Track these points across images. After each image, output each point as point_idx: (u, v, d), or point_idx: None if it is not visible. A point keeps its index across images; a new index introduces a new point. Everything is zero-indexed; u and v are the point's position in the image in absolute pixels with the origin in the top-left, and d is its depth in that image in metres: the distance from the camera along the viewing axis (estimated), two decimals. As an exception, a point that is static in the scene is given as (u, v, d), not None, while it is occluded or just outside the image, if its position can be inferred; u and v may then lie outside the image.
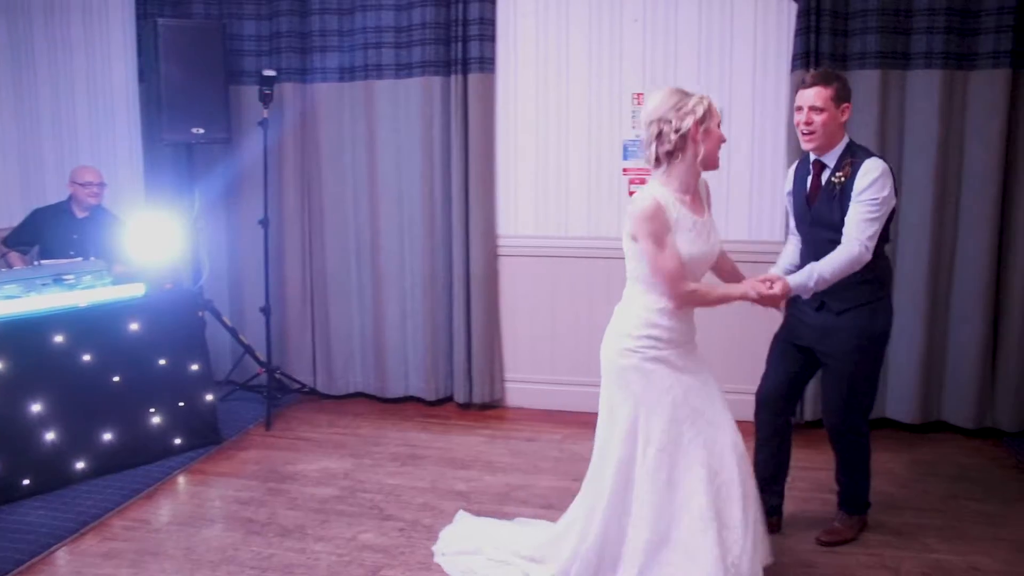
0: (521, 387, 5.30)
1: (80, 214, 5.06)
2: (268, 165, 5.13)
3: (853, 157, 3.23)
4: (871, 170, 3.15)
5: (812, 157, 3.34)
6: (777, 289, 2.99)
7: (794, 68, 4.55)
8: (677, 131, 2.76)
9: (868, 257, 3.12)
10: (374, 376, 5.41)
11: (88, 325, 4.19)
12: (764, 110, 4.79)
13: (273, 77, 5.03)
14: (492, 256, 5.17)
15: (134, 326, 4.33)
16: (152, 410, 4.38)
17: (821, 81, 3.22)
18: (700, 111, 2.76)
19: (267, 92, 4.99)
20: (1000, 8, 4.36)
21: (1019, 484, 4.12)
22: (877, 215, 3.13)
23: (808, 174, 3.37)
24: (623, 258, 4.97)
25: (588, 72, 4.98)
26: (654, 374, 2.90)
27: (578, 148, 5.05)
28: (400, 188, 5.19)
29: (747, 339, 4.57)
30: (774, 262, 4.70)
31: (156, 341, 4.41)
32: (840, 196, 3.21)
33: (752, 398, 3.64)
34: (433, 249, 5.16)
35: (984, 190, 4.50)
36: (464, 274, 5.14)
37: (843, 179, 3.21)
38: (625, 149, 4.97)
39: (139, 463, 4.30)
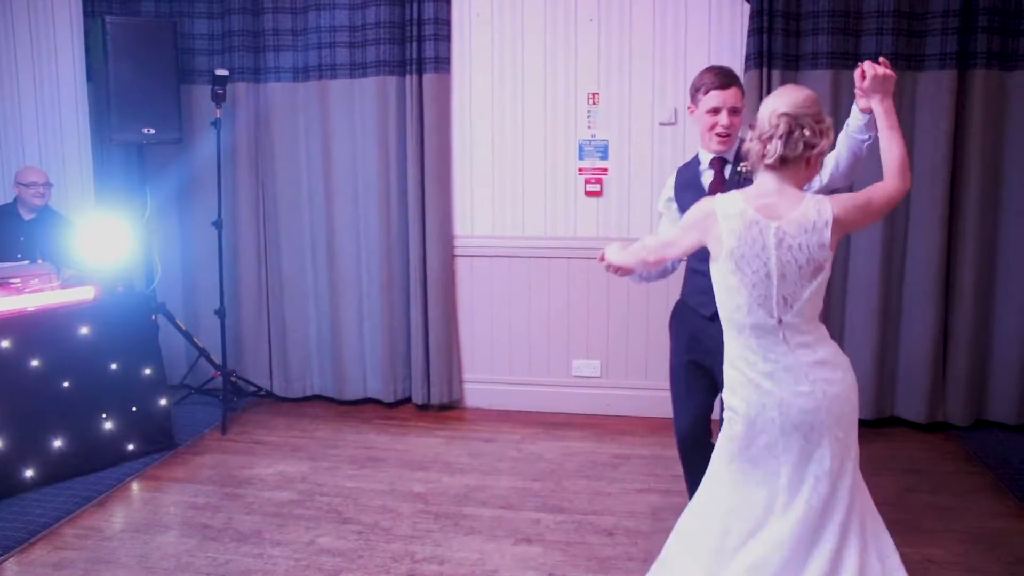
0: (479, 388, 5.30)
1: (27, 216, 4.96)
2: (221, 166, 5.06)
3: (743, 144, 3.03)
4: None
5: (709, 158, 3.14)
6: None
7: (747, 68, 4.59)
8: (806, 144, 2.40)
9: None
10: (331, 378, 5.37)
11: (36, 329, 4.10)
12: (719, 110, 4.82)
13: (226, 76, 4.97)
14: (449, 257, 5.15)
15: (84, 330, 4.24)
16: (104, 416, 4.30)
17: (735, 81, 3.07)
18: (832, 136, 2.47)
19: (220, 92, 4.93)
20: (946, 11, 4.45)
21: (970, 477, 4.20)
22: None
23: (698, 176, 3.16)
24: (580, 257, 5.06)
25: (543, 72, 4.99)
26: None
27: (534, 148, 5.06)
28: (356, 189, 5.16)
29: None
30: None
31: (108, 345, 4.32)
32: (748, 182, 2.95)
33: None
34: (390, 250, 5.14)
35: (933, 190, 4.58)
36: (421, 275, 5.12)
37: (749, 168, 2.90)
38: (581, 149, 4.98)
39: (91, 470, 4.21)
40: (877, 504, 3.87)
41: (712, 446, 3.15)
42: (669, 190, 3.28)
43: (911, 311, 4.74)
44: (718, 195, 2.51)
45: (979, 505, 3.88)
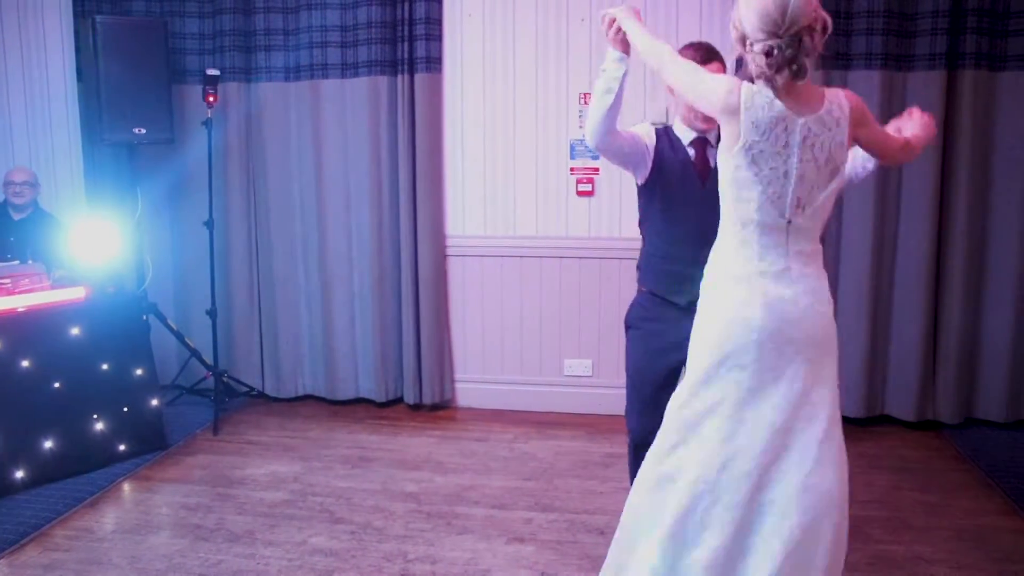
0: (471, 387, 5.30)
1: (17, 216, 4.94)
2: (213, 166, 5.06)
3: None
4: None
5: (691, 136, 3.04)
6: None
7: (738, 69, 4.60)
8: (815, 48, 2.26)
9: None
10: (323, 378, 5.36)
11: (27, 330, 4.09)
12: (709, 110, 4.84)
13: (217, 76, 4.97)
14: (441, 256, 5.15)
15: (75, 331, 4.23)
16: (95, 416, 4.29)
17: (717, 56, 2.97)
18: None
19: (211, 91, 4.92)
20: (935, 11, 4.47)
21: (959, 475, 4.23)
22: None
23: (684, 152, 3.04)
24: (571, 257, 5.07)
25: (535, 72, 5.00)
26: None
27: (526, 148, 5.06)
28: (348, 189, 5.16)
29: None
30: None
31: (99, 346, 4.31)
32: None
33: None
34: (381, 250, 5.14)
35: (923, 188, 4.61)
36: (413, 274, 5.12)
37: None
38: (572, 148, 4.99)
39: (82, 471, 4.20)
40: (867, 501, 3.91)
41: None
42: (649, 138, 3.08)
43: (901, 309, 4.77)
44: (745, 83, 2.31)
45: (968, 502, 3.91)
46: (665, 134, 3.11)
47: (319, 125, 5.15)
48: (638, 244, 3.22)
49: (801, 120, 2.26)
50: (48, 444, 4.11)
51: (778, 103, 2.24)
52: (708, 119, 2.93)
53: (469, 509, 3.89)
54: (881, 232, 4.69)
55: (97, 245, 4.66)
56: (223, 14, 5.14)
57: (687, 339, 2.72)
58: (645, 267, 3.17)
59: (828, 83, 4.58)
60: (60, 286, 4.37)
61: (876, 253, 4.70)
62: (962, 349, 4.73)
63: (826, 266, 4.66)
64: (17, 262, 4.41)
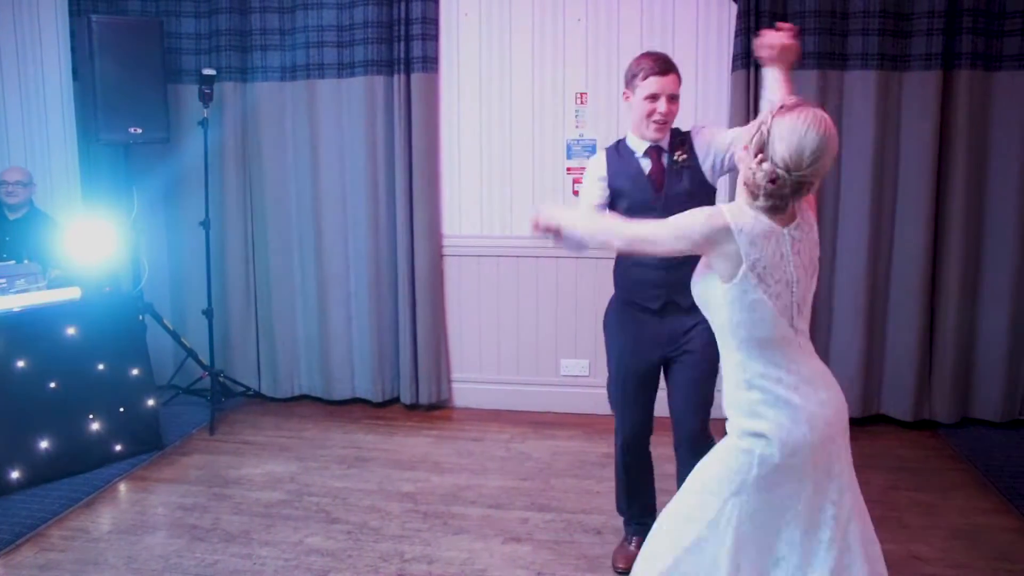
0: (467, 387, 5.30)
1: (12, 216, 4.93)
2: (209, 165, 5.05)
3: (678, 135, 3.09)
4: (702, 128, 3.10)
5: (645, 146, 3.08)
6: None
7: (735, 68, 4.62)
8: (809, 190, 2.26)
9: None
10: (319, 378, 5.36)
11: (22, 330, 4.08)
12: (706, 109, 4.85)
13: (213, 76, 4.96)
14: (437, 256, 5.15)
15: (71, 331, 4.22)
16: (91, 416, 4.28)
17: (673, 68, 3.01)
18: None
19: (207, 91, 4.92)
20: (931, 12, 4.48)
21: (955, 474, 4.24)
22: None
23: (635, 164, 3.10)
24: (568, 257, 5.07)
25: (531, 72, 5.00)
26: None
27: (522, 148, 5.06)
28: (344, 189, 5.15)
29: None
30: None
31: (95, 346, 4.31)
32: (687, 171, 3.03)
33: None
34: (378, 250, 5.13)
35: (919, 188, 4.62)
36: (409, 274, 5.12)
37: (684, 156, 3.04)
38: (569, 148, 5.00)
39: (78, 471, 4.20)
40: (864, 501, 3.91)
41: (648, 453, 3.24)
42: (601, 169, 3.15)
43: (897, 310, 4.77)
44: (723, 207, 2.26)
45: (964, 501, 3.91)
46: (615, 151, 3.18)
47: (315, 125, 5.14)
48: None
49: (785, 230, 2.24)
50: (44, 444, 4.10)
51: (762, 216, 2.21)
52: (660, 127, 3.01)
53: (465, 509, 3.89)
54: (877, 232, 4.70)
55: (93, 245, 4.65)
56: (219, 13, 5.13)
57: (667, 337, 3.04)
58: (617, 273, 3.25)
59: (825, 83, 4.60)
60: (56, 286, 4.36)
61: (872, 253, 4.70)
62: (958, 349, 4.74)
63: (822, 266, 4.69)
64: (13, 262, 4.40)
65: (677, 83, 3.02)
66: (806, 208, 2.31)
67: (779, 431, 2.24)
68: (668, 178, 3.07)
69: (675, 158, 3.08)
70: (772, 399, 2.26)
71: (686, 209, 2.53)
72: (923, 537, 3.58)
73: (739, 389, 2.30)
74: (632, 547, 3.39)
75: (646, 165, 3.09)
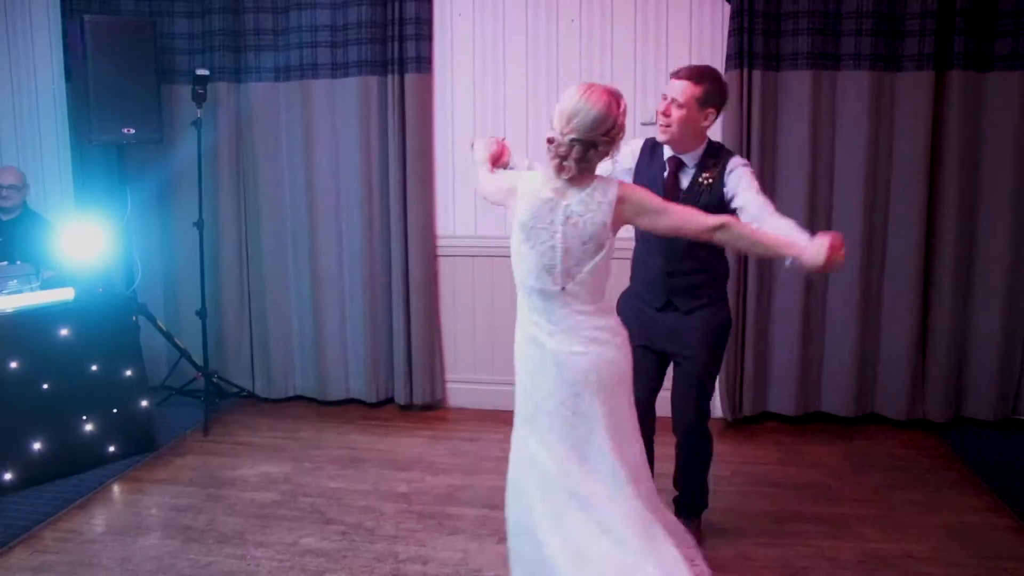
0: (462, 387, 5.30)
1: (5, 217, 4.92)
2: (202, 166, 5.04)
3: (716, 158, 3.14)
4: (744, 165, 3.11)
5: (668, 153, 3.21)
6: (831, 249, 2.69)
7: (728, 68, 4.62)
8: (600, 155, 2.68)
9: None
10: (314, 379, 5.35)
11: (15, 331, 4.07)
12: (700, 110, 4.85)
13: (206, 76, 4.95)
14: (431, 257, 5.15)
15: (64, 331, 4.21)
16: (85, 418, 4.27)
17: (692, 77, 3.07)
18: (621, 136, 2.73)
19: (200, 91, 4.91)
20: (923, 12, 4.49)
21: (948, 473, 4.25)
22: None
23: (663, 170, 3.21)
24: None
25: (525, 72, 4.99)
26: None
27: (516, 148, 5.03)
28: (338, 189, 5.15)
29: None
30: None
31: (88, 347, 4.30)
32: (707, 195, 3.11)
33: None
34: (372, 250, 5.13)
35: (912, 188, 4.63)
36: (403, 275, 5.11)
37: (711, 180, 3.11)
38: (564, 149, 4.99)
39: (71, 472, 4.19)
40: (858, 500, 3.93)
41: (654, 416, 3.46)
42: (631, 158, 3.31)
43: (890, 309, 4.78)
44: (525, 173, 2.85)
45: (957, 501, 3.93)
46: (650, 148, 3.29)
47: (309, 125, 5.14)
48: (628, 245, 3.40)
49: (565, 202, 2.66)
50: (37, 445, 4.09)
51: (550, 187, 2.69)
52: (662, 128, 3.14)
53: (460, 509, 3.89)
54: (870, 232, 4.71)
55: (86, 246, 4.64)
56: (212, 14, 5.12)
57: (666, 334, 3.29)
58: (633, 266, 3.45)
59: (818, 84, 4.60)
60: (49, 287, 4.35)
61: (865, 253, 4.71)
62: (951, 348, 4.75)
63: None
64: (5, 263, 4.39)
65: (686, 92, 3.06)
66: (614, 190, 2.65)
67: (531, 363, 2.78)
68: (687, 193, 3.16)
69: (700, 178, 3.16)
70: (530, 339, 2.78)
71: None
72: (917, 536, 3.59)
73: (518, 327, 2.83)
74: None
75: (665, 174, 3.22)
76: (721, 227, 2.68)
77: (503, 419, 5.03)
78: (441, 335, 5.27)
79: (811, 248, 2.63)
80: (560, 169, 2.65)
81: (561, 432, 2.75)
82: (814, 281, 4.71)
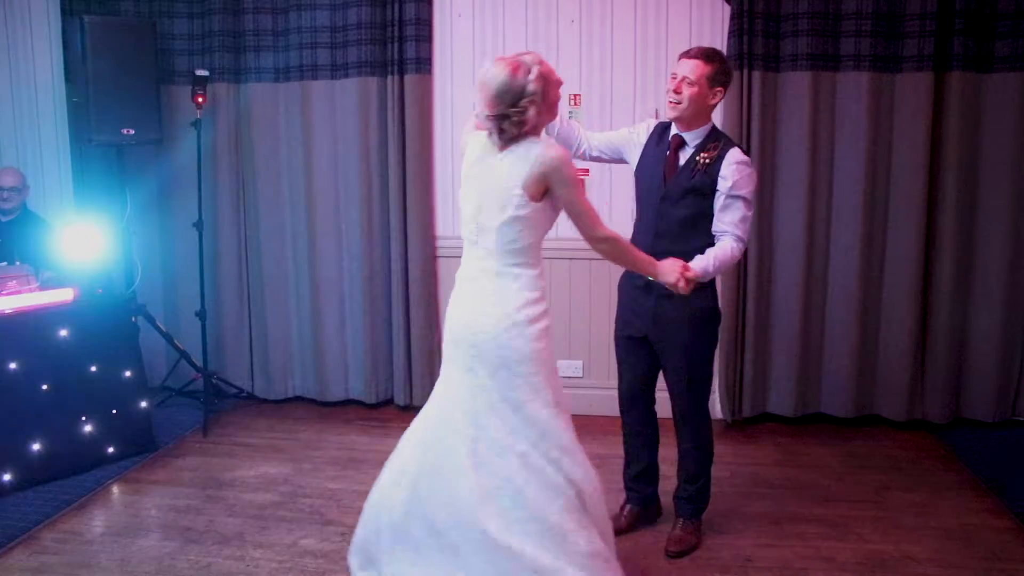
0: (462, 388, 5.29)
1: (3, 218, 4.91)
2: (202, 167, 5.04)
3: (718, 141, 3.28)
4: (743, 164, 3.23)
5: (673, 131, 3.35)
6: (691, 274, 3.02)
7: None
8: (520, 125, 2.78)
9: (742, 251, 3.26)
10: (313, 380, 5.35)
11: (14, 332, 4.07)
12: (699, 111, 4.85)
13: (206, 77, 4.95)
14: (431, 257, 5.15)
15: (63, 332, 4.21)
16: (84, 418, 4.27)
17: (703, 56, 3.22)
18: (538, 101, 2.80)
19: (200, 92, 4.91)
20: (923, 13, 4.49)
21: (947, 475, 4.25)
22: (751, 212, 3.27)
23: (667, 149, 3.35)
24: (561, 258, 5.07)
25: (525, 73, 4.99)
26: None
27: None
28: (337, 190, 5.15)
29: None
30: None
31: (87, 347, 4.29)
32: (701, 175, 3.25)
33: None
34: (371, 251, 5.13)
35: (912, 189, 4.63)
36: (403, 276, 5.11)
37: (708, 161, 3.24)
38: (563, 150, 4.99)
39: (70, 473, 4.18)
40: (856, 501, 3.93)
41: (652, 412, 3.59)
42: (641, 136, 3.47)
43: (890, 310, 4.78)
44: (477, 131, 2.95)
45: (956, 502, 3.93)
46: (660, 130, 3.41)
47: (309, 126, 5.14)
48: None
49: (492, 159, 2.80)
50: (36, 446, 4.09)
51: (491, 143, 2.82)
52: (672, 105, 3.25)
53: (460, 510, 3.88)
54: (870, 232, 4.71)
55: (85, 246, 4.64)
56: (212, 14, 5.12)
57: (650, 317, 3.36)
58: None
59: (818, 85, 4.60)
60: (48, 288, 4.35)
61: (865, 253, 4.71)
62: (950, 349, 4.75)
63: (815, 265, 4.70)
64: (4, 264, 4.39)
65: (697, 70, 3.20)
66: (540, 155, 2.72)
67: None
68: (682, 172, 3.29)
69: (698, 157, 3.27)
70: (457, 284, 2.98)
71: (679, 203, 3.24)
72: (916, 537, 3.59)
73: None
74: (624, 513, 3.65)
75: (668, 152, 3.34)
76: (607, 240, 2.83)
77: (502, 420, 5.05)
78: (440, 335, 5.26)
79: (666, 266, 2.98)
80: (498, 134, 2.79)
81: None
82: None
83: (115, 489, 4.16)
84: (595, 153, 3.52)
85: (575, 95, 4.93)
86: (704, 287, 3.29)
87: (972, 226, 4.70)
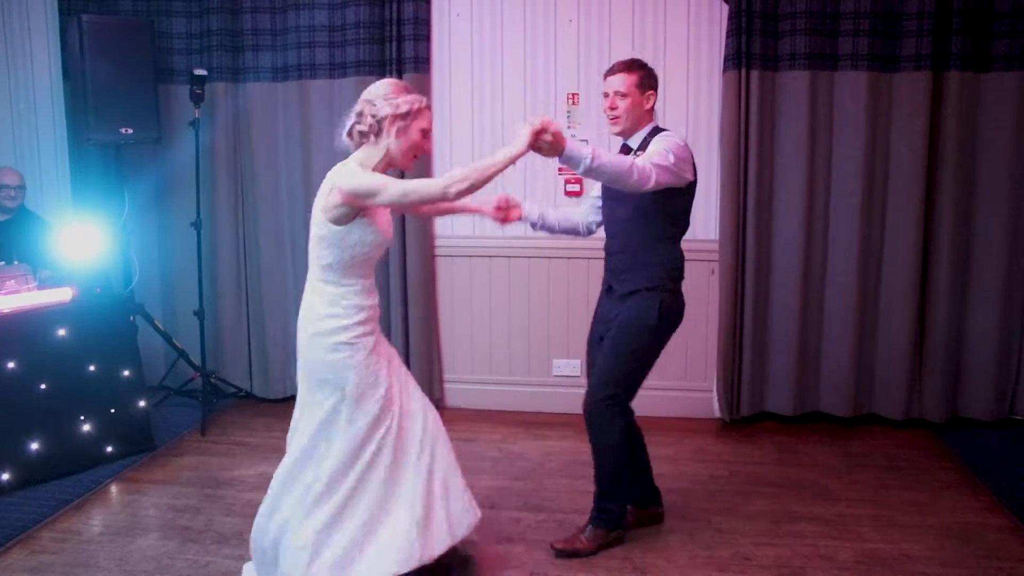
0: (460, 388, 5.30)
1: (2, 217, 4.90)
2: (200, 166, 5.04)
3: (656, 134, 3.31)
4: (665, 136, 3.25)
5: (621, 143, 3.42)
6: (552, 128, 2.92)
7: (726, 68, 4.62)
8: (374, 116, 2.89)
9: (646, 181, 3.04)
10: (311, 379, 5.34)
11: (12, 331, 4.07)
12: (698, 110, 4.86)
13: (204, 76, 4.95)
14: (429, 257, 5.15)
15: (62, 332, 4.21)
16: (82, 418, 4.27)
17: (624, 69, 3.30)
18: (404, 108, 2.89)
19: (198, 91, 4.91)
20: (920, 13, 4.50)
21: (945, 473, 4.25)
22: (670, 163, 3.11)
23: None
24: (560, 257, 5.07)
25: (523, 73, 5.00)
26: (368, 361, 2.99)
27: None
28: (336, 189, 5.14)
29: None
30: (711, 260, 4.80)
31: (85, 347, 4.29)
32: None
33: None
34: (370, 250, 5.12)
35: (909, 189, 4.63)
36: (401, 275, 5.11)
37: (643, 152, 3.26)
38: (561, 149, 4.99)
39: (69, 473, 4.18)
40: (855, 500, 3.93)
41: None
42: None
43: (888, 309, 4.79)
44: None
45: (954, 501, 3.93)
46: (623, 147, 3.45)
47: (307, 125, 5.14)
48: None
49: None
50: (35, 446, 4.09)
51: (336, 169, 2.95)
52: (612, 121, 3.36)
53: (458, 509, 3.88)
54: (867, 232, 4.72)
55: (83, 246, 4.64)
56: (210, 14, 5.12)
57: (604, 318, 3.45)
58: None
59: (816, 84, 4.62)
60: (46, 287, 4.34)
61: (863, 253, 4.72)
62: (948, 348, 4.76)
63: (813, 264, 4.70)
64: (3, 263, 4.38)
65: (625, 82, 3.29)
66: (338, 176, 2.88)
67: None
68: None
69: (635, 154, 3.31)
70: None
71: (622, 210, 3.34)
72: (914, 536, 3.59)
73: None
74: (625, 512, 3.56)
75: None
76: (447, 182, 2.87)
77: (501, 419, 5.07)
78: (439, 335, 5.27)
79: (519, 138, 2.93)
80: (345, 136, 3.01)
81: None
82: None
83: (114, 488, 4.16)
84: (598, 217, 3.57)
85: (573, 94, 4.93)
86: (659, 296, 3.28)
87: (970, 225, 4.71)
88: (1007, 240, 4.66)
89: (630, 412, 3.43)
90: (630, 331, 3.31)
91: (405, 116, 2.88)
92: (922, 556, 3.42)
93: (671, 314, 3.34)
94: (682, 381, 5.02)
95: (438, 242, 5.17)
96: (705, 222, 4.84)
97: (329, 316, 2.96)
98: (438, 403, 5.28)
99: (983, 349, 4.76)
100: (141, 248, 5.32)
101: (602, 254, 3.49)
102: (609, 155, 3.05)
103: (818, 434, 4.76)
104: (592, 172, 2.99)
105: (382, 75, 4.97)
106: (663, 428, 4.78)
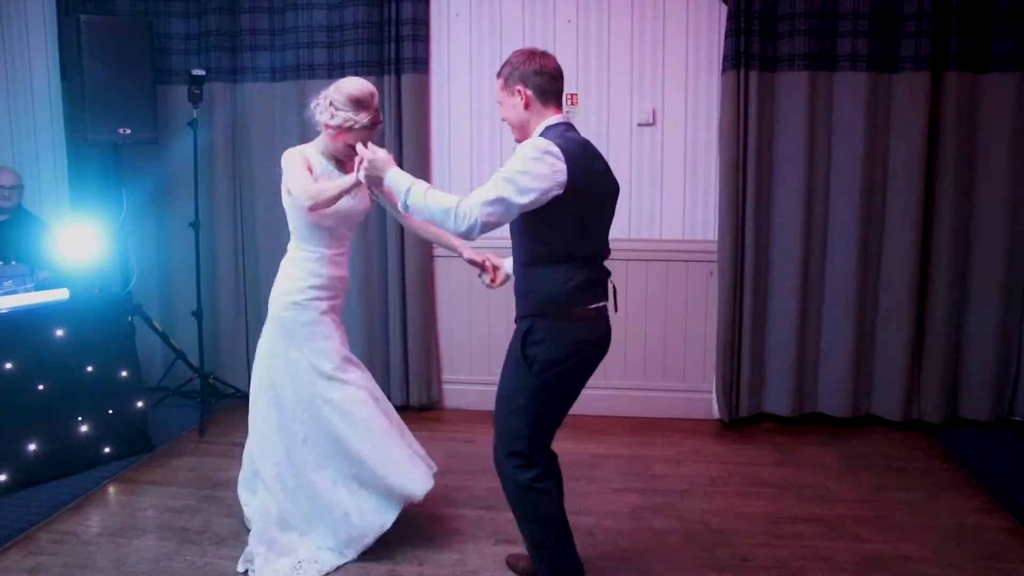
0: (458, 389, 5.29)
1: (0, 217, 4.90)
2: (198, 166, 5.04)
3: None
4: (527, 145, 2.80)
5: None
6: (365, 155, 2.96)
7: (725, 69, 4.62)
8: (316, 110, 3.34)
9: (467, 229, 2.70)
10: (310, 380, 5.33)
11: (10, 332, 4.05)
12: (696, 110, 4.85)
13: (202, 76, 4.94)
14: (427, 258, 5.14)
15: (59, 332, 4.20)
16: (80, 418, 4.26)
17: (497, 76, 2.97)
18: (335, 122, 3.28)
19: (196, 92, 4.90)
20: (920, 13, 4.50)
21: (944, 474, 4.25)
22: (508, 193, 2.71)
23: None
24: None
25: (523, 73, 4.99)
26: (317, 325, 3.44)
27: (512, 148, 5.02)
28: (334, 189, 5.13)
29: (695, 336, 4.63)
30: (710, 261, 4.80)
31: (83, 347, 4.28)
32: None
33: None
34: (368, 251, 5.12)
35: (908, 189, 4.63)
36: (399, 276, 5.11)
37: None
38: (560, 149, 4.98)
39: (67, 474, 4.17)
40: (854, 501, 3.93)
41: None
42: None
43: (887, 310, 4.79)
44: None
45: (953, 501, 3.93)
46: None
47: (306, 126, 5.10)
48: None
49: None
50: (32, 447, 4.08)
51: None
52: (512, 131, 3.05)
53: (457, 510, 3.88)
54: (866, 233, 4.71)
55: (81, 246, 4.62)
56: (208, 14, 5.11)
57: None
58: None
59: (815, 85, 4.61)
60: (44, 287, 4.33)
61: (862, 254, 4.72)
62: (947, 349, 4.76)
63: (812, 265, 4.70)
64: (0, 263, 4.37)
65: (496, 91, 2.99)
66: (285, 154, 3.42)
67: None
68: None
69: None
70: None
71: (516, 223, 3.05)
72: (913, 537, 3.59)
73: None
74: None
75: None
76: (307, 201, 3.24)
77: (500, 420, 5.05)
78: (437, 336, 5.26)
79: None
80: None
81: None
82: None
83: (111, 489, 4.15)
84: None
85: (572, 95, 4.92)
86: (534, 327, 2.89)
87: (968, 226, 4.71)
88: (1006, 241, 4.66)
89: (543, 463, 3.00)
90: (508, 364, 3.00)
91: (337, 127, 3.28)
92: (921, 557, 3.42)
93: (546, 356, 2.89)
94: (681, 382, 5.01)
95: (437, 243, 5.17)
96: (704, 223, 4.84)
97: (288, 277, 3.45)
98: (437, 404, 5.29)
99: (982, 350, 4.76)
100: (139, 249, 5.31)
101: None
102: (436, 193, 2.75)
103: (817, 435, 4.76)
104: (409, 210, 2.80)
105: (381, 75, 4.98)
106: (662, 429, 4.77)
